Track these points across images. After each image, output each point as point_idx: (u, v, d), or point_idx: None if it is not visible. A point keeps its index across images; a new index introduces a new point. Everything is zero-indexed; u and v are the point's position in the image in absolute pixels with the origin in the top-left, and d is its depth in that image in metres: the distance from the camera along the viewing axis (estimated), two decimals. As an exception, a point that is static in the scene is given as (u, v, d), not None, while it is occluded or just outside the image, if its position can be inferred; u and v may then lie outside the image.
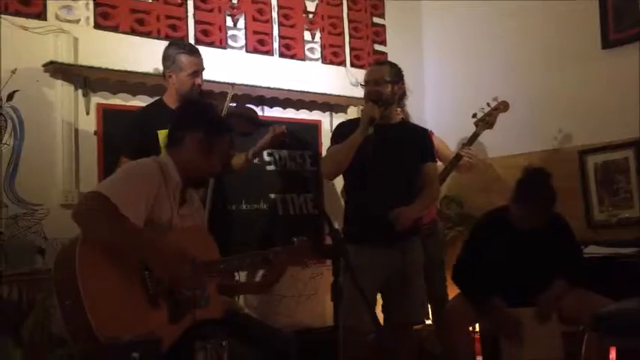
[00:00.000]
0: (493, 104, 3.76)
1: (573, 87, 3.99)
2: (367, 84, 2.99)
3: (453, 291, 3.50)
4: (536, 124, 4.14)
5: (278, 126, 3.20)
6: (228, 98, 3.08)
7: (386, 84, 2.94)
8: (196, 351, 1.67)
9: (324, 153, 4.10)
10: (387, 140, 2.94)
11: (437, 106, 4.72)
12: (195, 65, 3.00)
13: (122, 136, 3.08)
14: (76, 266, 1.77)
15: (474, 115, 3.78)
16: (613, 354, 2.47)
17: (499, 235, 3.01)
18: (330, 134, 4.16)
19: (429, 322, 3.63)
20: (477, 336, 3.45)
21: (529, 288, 2.92)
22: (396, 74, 3.01)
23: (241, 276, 3.32)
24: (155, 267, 1.91)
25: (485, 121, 3.75)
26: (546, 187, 2.94)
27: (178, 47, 3.05)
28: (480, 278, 2.97)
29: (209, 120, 2.23)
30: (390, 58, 4.42)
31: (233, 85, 3.16)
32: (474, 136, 3.74)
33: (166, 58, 3.04)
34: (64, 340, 2.02)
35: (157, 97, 3.47)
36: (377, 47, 4.62)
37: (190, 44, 3.12)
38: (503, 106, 3.75)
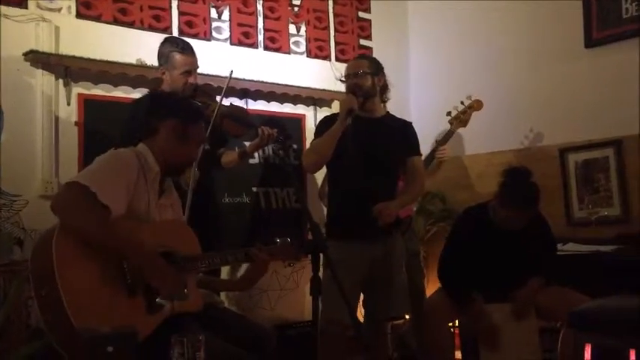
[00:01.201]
0: (467, 102, 3.79)
1: (556, 85, 4.02)
2: (347, 77, 2.99)
3: (431, 283, 3.53)
4: (518, 122, 4.17)
5: (267, 128, 3.18)
6: (226, 84, 3.06)
7: (365, 76, 2.94)
8: (173, 344, 1.66)
9: (307, 147, 4.10)
10: (371, 134, 2.94)
11: (421, 101, 4.73)
12: (188, 64, 2.98)
13: (117, 128, 3.02)
14: (53, 255, 1.75)
15: (449, 114, 3.82)
16: (588, 351, 2.49)
17: (479, 233, 3.03)
18: (314, 128, 4.19)
19: (408, 316, 3.65)
20: (457, 331, 3.48)
21: (507, 284, 2.94)
22: (376, 67, 3.01)
23: (223, 271, 3.32)
24: (133, 267, 1.90)
25: (460, 120, 3.80)
26: (530, 188, 2.95)
27: (172, 45, 3.01)
28: (460, 276, 2.99)
29: (182, 107, 2.24)
30: (375, 53, 4.44)
31: (231, 73, 3.13)
32: (449, 134, 3.78)
33: (160, 55, 3.02)
34: (41, 332, 2.00)
35: (141, 89, 3.48)
36: (362, 42, 4.62)
37: (184, 42, 3.07)
38: (476, 105, 3.80)
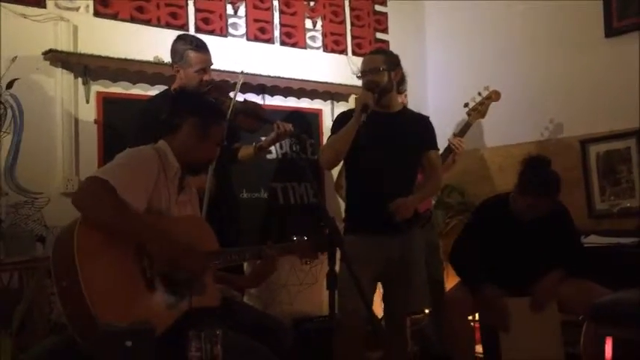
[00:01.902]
0: (485, 93, 3.75)
1: (576, 75, 3.96)
2: (363, 74, 2.97)
3: (451, 277, 3.51)
4: (538, 113, 4.12)
5: (282, 124, 3.18)
6: (237, 86, 3.06)
7: (381, 72, 2.91)
8: (190, 339, 1.67)
9: (325, 142, 4.10)
10: (388, 129, 2.93)
11: (439, 94, 4.70)
12: (202, 62, 2.97)
13: (130, 126, 3.07)
14: (74, 247, 1.77)
15: (466, 105, 3.77)
16: (609, 344, 2.46)
17: (499, 221, 3.01)
18: (331, 123, 4.18)
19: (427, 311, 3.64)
20: (477, 325, 3.46)
21: (527, 276, 2.91)
22: (392, 61, 2.97)
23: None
24: (155, 253, 1.91)
25: (477, 111, 3.76)
26: (550, 175, 2.92)
27: (186, 42, 3.00)
28: (475, 261, 2.97)
29: (204, 106, 2.26)
30: (392, 47, 4.42)
31: (242, 73, 3.14)
32: (467, 126, 3.74)
33: (174, 52, 3.01)
34: (62, 328, 2.03)
35: (159, 86, 3.51)
36: (379, 35, 4.60)
37: (198, 39, 3.06)
38: (494, 96, 3.76)
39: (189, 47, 2.97)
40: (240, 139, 3.33)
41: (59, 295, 1.81)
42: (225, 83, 3.48)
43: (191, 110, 2.19)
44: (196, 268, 1.99)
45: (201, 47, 3.00)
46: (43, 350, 1.91)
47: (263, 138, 3.43)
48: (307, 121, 4.15)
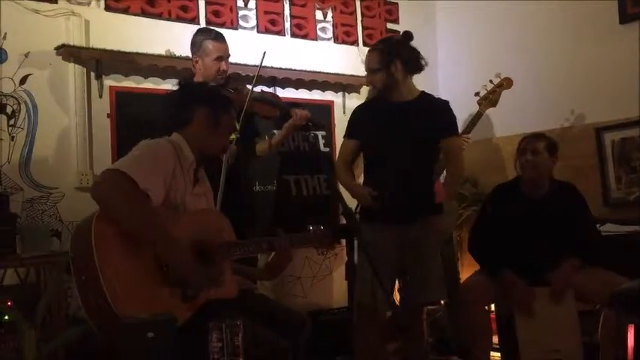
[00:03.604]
0: (496, 81, 3.69)
1: (590, 63, 3.92)
2: (366, 72, 2.99)
3: (465, 267, 3.49)
4: (551, 102, 4.08)
5: (300, 110, 3.19)
6: (259, 65, 3.09)
7: (377, 72, 2.89)
8: (211, 330, 1.67)
9: (337, 133, 4.09)
10: (404, 118, 2.89)
11: (451, 84, 4.65)
12: (219, 51, 3.05)
13: (148, 119, 3.08)
14: (92, 241, 1.77)
15: (477, 94, 3.72)
16: (631, 332, 2.44)
17: (512, 204, 3.01)
18: (342, 114, 4.17)
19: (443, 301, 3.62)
20: (493, 315, 3.44)
21: (544, 266, 2.89)
22: (388, 56, 2.88)
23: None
24: (167, 261, 1.90)
25: (489, 100, 3.69)
26: (543, 136, 2.99)
27: (204, 34, 3.12)
28: (493, 248, 2.96)
29: (213, 95, 2.27)
30: (403, 37, 4.37)
31: (265, 53, 3.12)
32: (477, 117, 3.68)
33: (193, 44, 3.10)
34: (79, 322, 2.03)
35: (170, 80, 3.51)
36: (390, 26, 4.57)
37: (217, 31, 3.17)
38: (506, 83, 3.68)
39: (207, 37, 3.07)
40: (259, 134, 3.35)
41: (79, 289, 1.81)
42: (238, 76, 3.48)
43: (200, 101, 2.19)
44: (198, 280, 1.96)
45: (219, 37, 3.09)
46: (66, 340, 1.92)
47: (276, 131, 3.46)
48: (319, 112, 4.13)
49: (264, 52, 3.12)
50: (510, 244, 2.93)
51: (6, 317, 2.67)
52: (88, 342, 1.83)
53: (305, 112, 3.21)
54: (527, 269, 2.88)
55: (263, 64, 3.08)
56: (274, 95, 3.39)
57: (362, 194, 2.87)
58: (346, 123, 3.16)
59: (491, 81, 3.72)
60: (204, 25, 3.61)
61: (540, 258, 2.90)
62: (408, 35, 3.00)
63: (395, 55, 2.90)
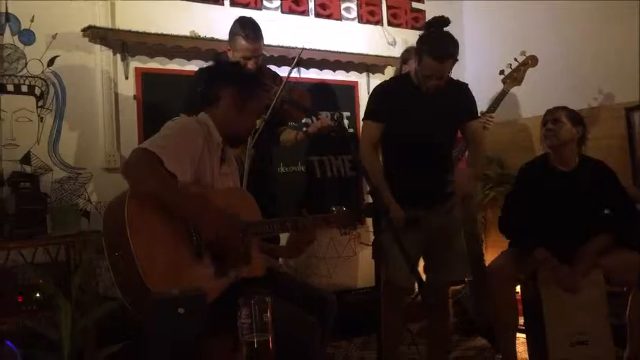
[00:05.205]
0: (521, 59, 3.61)
1: (620, 41, 3.84)
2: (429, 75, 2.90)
3: (489, 249, 3.47)
4: (580, 81, 4.01)
5: (324, 118, 3.19)
6: (294, 61, 3.06)
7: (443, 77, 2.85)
8: (240, 307, 1.68)
9: (361, 114, 4.06)
10: (425, 104, 2.87)
11: (477, 63, 4.60)
12: (247, 50, 2.97)
13: (173, 100, 3.10)
14: (125, 219, 1.80)
15: (502, 72, 3.65)
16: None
17: (540, 177, 2.99)
18: (367, 95, 4.13)
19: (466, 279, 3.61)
20: (519, 297, 3.42)
21: (574, 240, 2.86)
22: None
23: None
24: (202, 226, 1.92)
25: (514, 78, 3.61)
26: (559, 108, 3.00)
27: (239, 28, 3.00)
28: (525, 225, 2.93)
29: (241, 76, 2.26)
30: (428, 16, 4.33)
31: (302, 49, 3.12)
32: (502, 95, 3.61)
33: (230, 32, 3.03)
34: (110, 300, 2.07)
35: (195, 61, 3.52)
36: (414, 5, 4.53)
37: (253, 28, 3.01)
38: (532, 61, 3.59)
39: (239, 33, 2.97)
40: (286, 124, 3.34)
41: (111, 265, 1.84)
42: (268, 71, 3.40)
43: (228, 81, 2.18)
44: (238, 239, 1.99)
45: (250, 37, 2.98)
46: (99, 316, 1.95)
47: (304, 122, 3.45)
48: (343, 93, 4.11)
49: (302, 49, 3.07)
50: (542, 220, 2.89)
51: (37, 295, 2.75)
52: (120, 318, 1.86)
53: (328, 122, 3.18)
54: (558, 246, 2.85)
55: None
56: (303, 97, 3.25)
57: (396, 210, 2.77)
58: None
59: (516, 59, 3.65)
60: (229, 7, 3.59)
61: (571, 234, 2.87)
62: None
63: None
